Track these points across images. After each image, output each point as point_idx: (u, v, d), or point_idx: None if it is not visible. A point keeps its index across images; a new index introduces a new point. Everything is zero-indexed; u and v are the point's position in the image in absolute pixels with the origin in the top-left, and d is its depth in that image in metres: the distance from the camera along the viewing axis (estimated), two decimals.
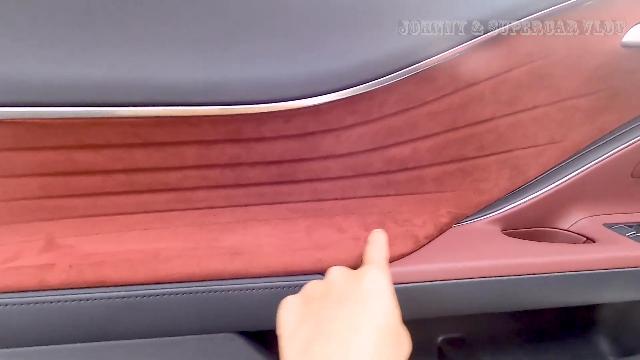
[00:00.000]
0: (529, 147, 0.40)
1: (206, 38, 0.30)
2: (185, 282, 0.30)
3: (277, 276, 0.31)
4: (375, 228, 0.36)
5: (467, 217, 0.41)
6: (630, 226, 0.41)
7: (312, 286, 0.27)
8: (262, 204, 0.37)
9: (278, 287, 0.31)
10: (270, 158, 0.35)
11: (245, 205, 0.37)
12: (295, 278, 0.31)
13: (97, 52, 0.28)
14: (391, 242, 0.34)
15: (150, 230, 0.33)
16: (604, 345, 0.50)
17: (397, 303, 0.24)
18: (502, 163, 0.40)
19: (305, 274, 0.31)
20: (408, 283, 0.33)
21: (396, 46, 0.32)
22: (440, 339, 0.46)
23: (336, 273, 0.27)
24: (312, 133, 0.34)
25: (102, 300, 0.29)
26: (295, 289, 0.31)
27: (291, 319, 0.24)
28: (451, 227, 0.40)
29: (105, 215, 0.33)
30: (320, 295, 0.25)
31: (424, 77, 0.34)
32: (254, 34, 0.31)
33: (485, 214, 0.41)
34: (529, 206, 0.41)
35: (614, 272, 0.36)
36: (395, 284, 0.33)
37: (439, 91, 0.35)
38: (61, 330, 0.29)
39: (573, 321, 0.50)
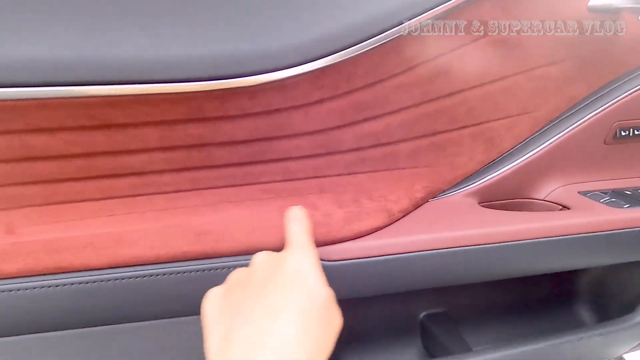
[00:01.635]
0: (501, 119, 0.40)
1: (160, 12, 0.29)
2: (150, 264, 0.29)
3: (246, 254, 0.30)
4: (349, 205, 0.35)
5: (444, 191, 0.41)
6: (605, 193, 0.41)
7: (236, 274, 0.26)
8: (233, 186, 0.36)
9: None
10: (238, 138, 0.34)
11: (215, 188, 0.36)
12: None
13: (42, 28, 0.27)
14: (364, 217, 0.34)
15: (115, 217, 0.32)
16: (584, 313, 0.50)
17: (325, 281, 0.24)
18: (476, 136, 0.40)
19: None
20: (383, 256, 0.32)
21: (359, 17, 0.32)
22: (422, 315, 0.46)
23: (259, 258, 0.26)
24: (279, 110, 0.34)
25: (62, 287, 0.27)
26: None
27: (213, 309, 0.24)
28: (427, 201, 0.39)
29: (66, 202, 0.32)
30: (243, 282, 0.25)
31: (390, 49, 0.33)
32: (210, 7, 0.30)
33: (461, 187, 0.41)
34: (504, 178, 0.41)
35: (589, 236, 0.36)
36: (368, 257, 0.32)
37: (406, 63, 0.35)
38: (19, 320, 0.28)
39: (553, 292, 0.51)
